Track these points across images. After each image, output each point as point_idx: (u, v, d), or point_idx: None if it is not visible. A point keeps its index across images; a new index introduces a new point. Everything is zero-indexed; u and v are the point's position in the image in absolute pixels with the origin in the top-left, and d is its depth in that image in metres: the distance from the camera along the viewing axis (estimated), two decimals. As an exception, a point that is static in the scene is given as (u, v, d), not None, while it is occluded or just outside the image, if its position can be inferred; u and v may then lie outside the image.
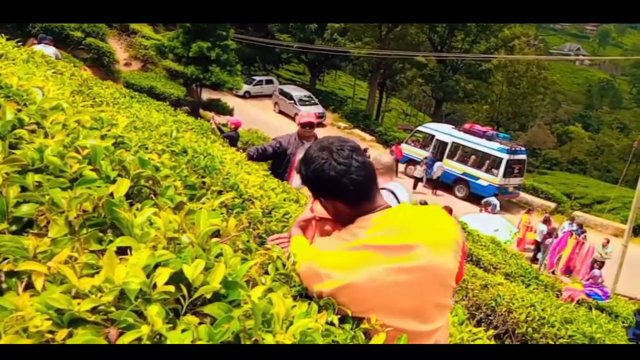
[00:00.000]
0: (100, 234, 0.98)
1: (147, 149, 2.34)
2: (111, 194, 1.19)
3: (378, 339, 1.28)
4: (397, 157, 24.14)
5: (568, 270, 14.89)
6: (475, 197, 21.85)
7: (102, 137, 1.80)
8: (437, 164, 23.06)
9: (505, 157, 22.07)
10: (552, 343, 3.74)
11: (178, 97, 18.05)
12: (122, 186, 1.20)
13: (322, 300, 1.37)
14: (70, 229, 0.96)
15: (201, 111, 20.48)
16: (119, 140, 2.16)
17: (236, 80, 21.39)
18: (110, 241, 1.00)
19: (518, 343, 4.00)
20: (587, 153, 54.70)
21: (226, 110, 21.53)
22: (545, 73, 39.09)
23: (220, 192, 2.87)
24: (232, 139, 10.96)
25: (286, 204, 3.50)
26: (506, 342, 4.08)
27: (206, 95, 22.33)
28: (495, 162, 22.29)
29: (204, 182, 2.94)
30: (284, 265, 1.53)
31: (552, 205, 24.78)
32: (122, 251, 1.02)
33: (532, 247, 17.14)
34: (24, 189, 1.08)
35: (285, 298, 1.24)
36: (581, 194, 37.28)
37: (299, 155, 5.22)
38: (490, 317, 4.16)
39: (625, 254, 14.41)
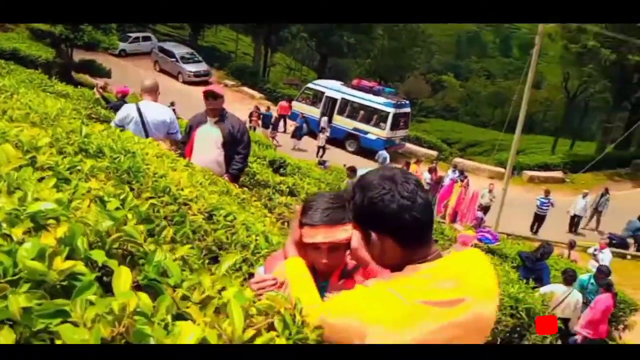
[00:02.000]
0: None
1: (80, 170, 1.94)
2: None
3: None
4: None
5: (455, 217, 15.98)
6: (365, 150, 22.56)
7: (40, 180, 1.43)
8: (324, 119, 23.19)
9: (392, 111, 22.90)
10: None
11: (47, 59, 16.06)
12: (126, 279, 0.93)
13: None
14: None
15: (74, 74, 18.56)
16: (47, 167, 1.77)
17: (112, 39, 19.59)
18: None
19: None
20: (459, 100, 58.52)
21: (103, 72, 19.77)
22: (422, 27, 40.66)
23: (151, 199, 2.56)
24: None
25: (225, 204, 3.23)
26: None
27: (78, 56, 20.23)
28: (383, 116, 23.05)
29: (131, 189, 2.59)
30: (293, 319, 1.33)
31: (435, 153, 26.29)
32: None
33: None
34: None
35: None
36: (456, 139, 39.86)
37: (198, 129, 4.92)
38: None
39: (504, 197, 15.87)
